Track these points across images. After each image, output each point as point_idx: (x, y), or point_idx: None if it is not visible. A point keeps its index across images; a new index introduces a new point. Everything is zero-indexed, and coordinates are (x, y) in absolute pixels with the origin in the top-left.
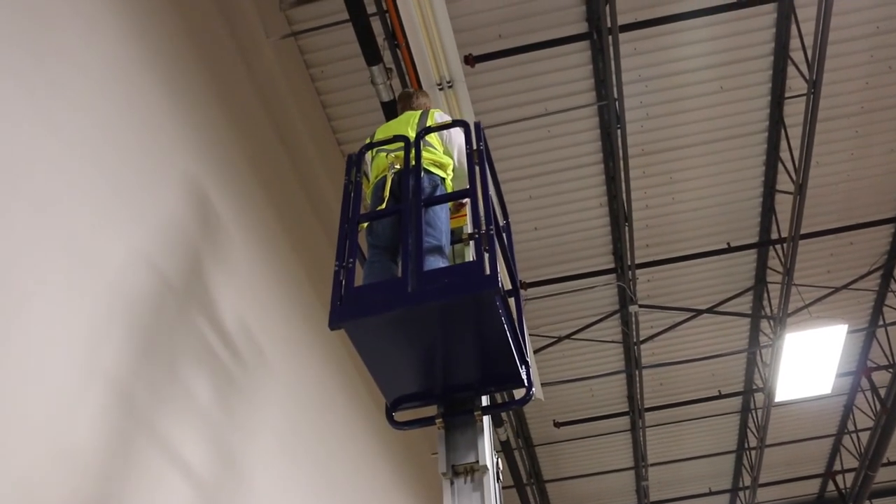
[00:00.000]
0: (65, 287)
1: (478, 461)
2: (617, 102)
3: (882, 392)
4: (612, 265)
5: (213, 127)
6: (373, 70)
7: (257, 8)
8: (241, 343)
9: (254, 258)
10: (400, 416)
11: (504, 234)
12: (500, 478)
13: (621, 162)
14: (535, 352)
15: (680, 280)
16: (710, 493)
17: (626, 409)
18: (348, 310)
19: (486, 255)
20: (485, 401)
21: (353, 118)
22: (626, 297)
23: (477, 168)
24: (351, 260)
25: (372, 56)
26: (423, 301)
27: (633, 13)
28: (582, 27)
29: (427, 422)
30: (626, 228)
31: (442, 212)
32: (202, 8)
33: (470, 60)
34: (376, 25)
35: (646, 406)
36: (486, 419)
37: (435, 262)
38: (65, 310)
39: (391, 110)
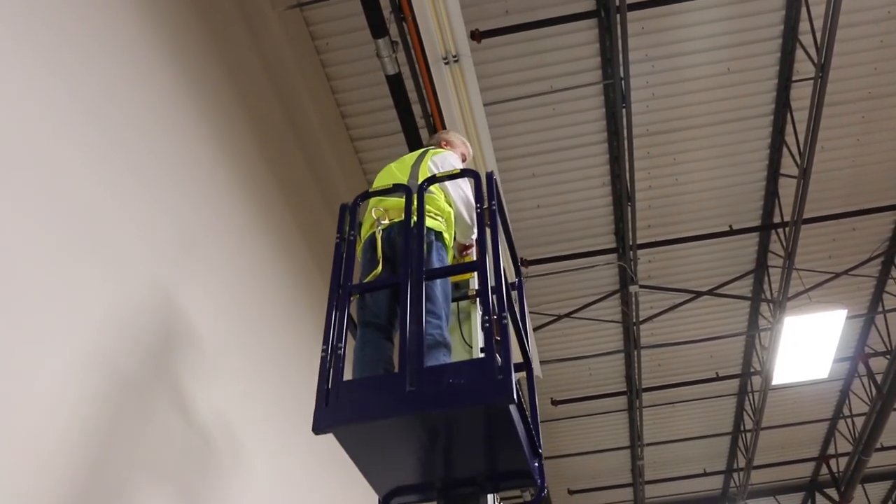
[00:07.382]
0: (67, 286)
1: None
2: (623, 82)
3: (878, 378)
4: (613, 245)
5: (216, 96)
6: (378, 43)
7: None
8: (229, 338)
9: (250, 233)
10: None
11: (517, 291)
12: None
13: (626, 142)
14: (535, 329)
15: (681, 261)
16: (705, 474)
17: (624, 389)
18: (336, 413)
19: (497, 333)
20: (491, 500)
21: (358, 91)
22: (626, 277)
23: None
24: (340, 345)
25: (378, 29)
26: (423, 407)
27: None
28: (590, 5)
29: None
30: (629, 208)
31: (442, 281)
32: None
33: (476, 36)
34: None
35: (643, 386)
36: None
37: (437, 357)
38: (64, 308)
39: (396, 84)
